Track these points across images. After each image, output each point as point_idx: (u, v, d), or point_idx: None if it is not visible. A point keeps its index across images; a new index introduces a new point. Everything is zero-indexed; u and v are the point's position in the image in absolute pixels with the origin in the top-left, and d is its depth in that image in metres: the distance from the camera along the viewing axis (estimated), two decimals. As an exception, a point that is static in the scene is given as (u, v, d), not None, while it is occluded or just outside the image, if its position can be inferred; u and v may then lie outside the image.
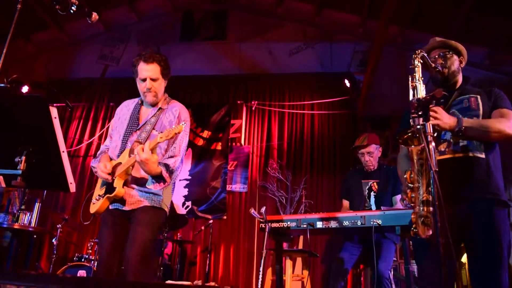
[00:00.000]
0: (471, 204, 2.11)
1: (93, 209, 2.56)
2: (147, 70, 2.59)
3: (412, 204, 2.01)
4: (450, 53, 2.35)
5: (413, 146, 2.01)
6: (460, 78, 2.39)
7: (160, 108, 2.69)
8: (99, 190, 2.61)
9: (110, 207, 2.56)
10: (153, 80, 2.61)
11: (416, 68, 2.12)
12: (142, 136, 2.58)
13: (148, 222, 2.49)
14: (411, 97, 2.08)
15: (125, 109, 2.80)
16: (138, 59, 2.62)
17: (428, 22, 6.36)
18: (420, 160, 1.98)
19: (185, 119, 2.67)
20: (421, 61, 2.14)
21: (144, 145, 2.35)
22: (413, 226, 1.99)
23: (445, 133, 2.22)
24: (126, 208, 2.53)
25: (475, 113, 2.20)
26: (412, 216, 1.99)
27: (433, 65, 2.23)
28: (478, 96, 2.25)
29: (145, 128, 2.62)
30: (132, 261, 2.38)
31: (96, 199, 2.56)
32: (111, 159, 2.66)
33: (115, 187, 2.46)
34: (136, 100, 2.79)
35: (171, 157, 2.56)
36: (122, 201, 2.52)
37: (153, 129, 2.61)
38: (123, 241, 2.53)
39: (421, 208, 1.96)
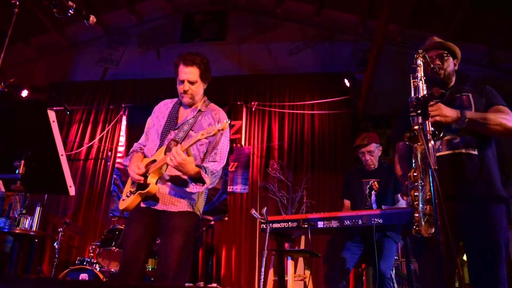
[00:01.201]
0: (465, 201, 2.11)
1: (122, 205, 2.52)
2: (186, 73, 2.58)
3: (415, 203, 2.01)
4: (448, 55, 2.38)
5: (418, 144, 2.00)
6: (453, 79, 2.42)
7: (199, 110, 2.66)
8: (129, 187, 2.59)
9: (142, 205, 2.52)
10: (191, 83, 2.60)
11: (418, 68, 2.14)
12: (179, 136, 2.56)
13: (184, 227, 2.47)
14: (417, 96, 2.08)
15: (164, 107, 2.79)
16: (179, 60, 2.61)
17: (428, 20, 6.35)
18: (425, 159, 1.97)
19: None
20: (423, 61, 2.15)
21: (177, 148, 2.32)
22: (415, 224, 1.98)
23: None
24: (159, 207, 2.50)
25: (468, 111, 2.20)
26: (415, 214, 1.99)
27: (432, 65, 2.25)
28: (470, 94, 2.28)
29: (183, 128, 2.59)
30: (172, 269, 2.38)
31: (127, 196, 2.53)
32: (145, 157, 2.65)
33: (149, 184, 2.43)
34: (175, 100, 2.78)
35: (212, 162, 2.54)
36: (155, 198, 2.49)
37: (191, 130, 2.58)
38: (150, 240, 2.52)
39: (425, 206, 1.96)
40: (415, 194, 2.02)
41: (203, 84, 2.66)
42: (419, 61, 2.14)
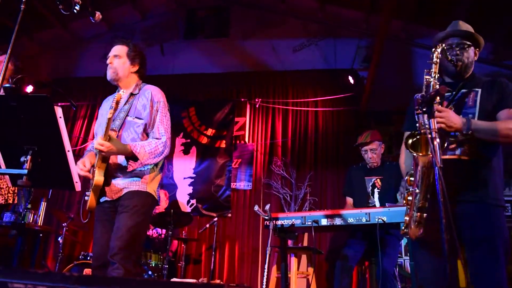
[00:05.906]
0: (467, 205, 2.05)
1: (86, 205, 2.54)
2: (112, 50, 2.69)
3: (408, 207, 2.01)
4: (469, 45, 2.27)
5: (420, 155, 1.95)
6: (471, 70, 2.32)
7: (131, 94, 2.68)
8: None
9: (101, 200, 2.55)
10: (115, 56, 2.67)
11: (433, 64, 2.07)
12: (116, 124, 2.58)
13: (131, 207, 2.46)
14: (423, 93, 2.04)
15: (106, 104, 2.84)
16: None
17: (432, 17, 6.32)
18: (423, 168, 1.95)
19: (158, 100, 2.66)
20: (440, 56, 2.09)
21: (97, 139, 2.38)
22: (404, 227, 2.01)
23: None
24: (113, 197, 2.53)
25: (471, 111, 2.13)
26: (405, 218, 2.02)
27: (450, 57, 2.17)
28: (479, 91, 2.17)
29: (119, 116, 2.61)
30: (112, 247, 2.36)
31: (87, 195, 2.55)
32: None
33: (94, 178, 2.46)
34: (114, 94, 2.80)
35: (153, 139, 2.57)
36: (104, 191, 2.51)
37: (127, 116, 2.60)
38: None
39: (416, 213, 1.97)
40: (409, 198, 2.02)
41: (129, 63, 2.69)
42: (435, 57, 2.07)
